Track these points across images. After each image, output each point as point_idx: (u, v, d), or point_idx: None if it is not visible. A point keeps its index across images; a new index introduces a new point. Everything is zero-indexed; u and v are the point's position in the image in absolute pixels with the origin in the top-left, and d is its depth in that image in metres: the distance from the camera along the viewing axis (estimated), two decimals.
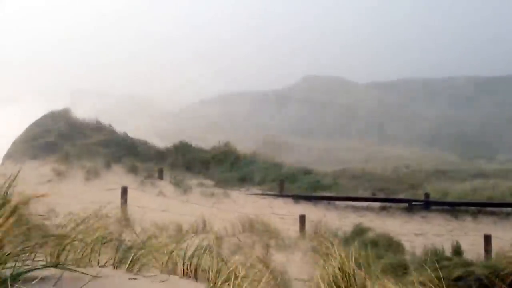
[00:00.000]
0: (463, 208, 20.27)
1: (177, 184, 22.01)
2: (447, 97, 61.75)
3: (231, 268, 2.43)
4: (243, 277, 2.43)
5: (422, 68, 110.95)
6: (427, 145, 42.19)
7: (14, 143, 28.05)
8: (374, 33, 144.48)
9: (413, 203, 20.66)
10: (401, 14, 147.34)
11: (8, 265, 2.13)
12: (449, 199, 21.87)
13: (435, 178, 28.51)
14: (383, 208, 20.53)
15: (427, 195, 21.21)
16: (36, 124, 30.08)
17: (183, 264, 2.47)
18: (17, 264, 2.05)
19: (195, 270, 2.49)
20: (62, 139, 27.79)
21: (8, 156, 26.22)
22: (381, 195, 23.38)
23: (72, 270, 2.22)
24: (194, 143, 30.07)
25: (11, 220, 2.31)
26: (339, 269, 3.00)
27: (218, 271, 2.34)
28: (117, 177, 21.76)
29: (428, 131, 48.60)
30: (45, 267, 2.22)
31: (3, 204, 2.37)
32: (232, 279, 2.27)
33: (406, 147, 41.67)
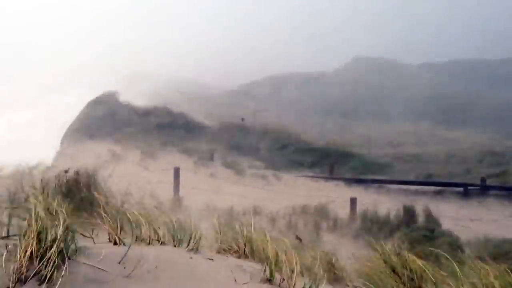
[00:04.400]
0: None
1: (228, 165, 22.28)
2: (505, 79, 59.05)
3: (283, 249, 2.46)
4: (296, 257, 2.45)
5: (479, 49, 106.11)
6: (483, 128, 40.55)
7: (71, 124, 29.12)
8: (426, 14, 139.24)
9: (469, 187, 20.02)
10: None
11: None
12: (508, 183, 21.04)
13: (491, 162, 27.45)
14: (437, 193, 20.01)
15: (483, 179, 20.49)
16: (92, 106, 31.07)
17: (241, 245, 2.53)
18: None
19: (251, 251, 2.54)
20: (117, 121, 28.62)
21: (66, 136, 27.28)
22: (435, 179, 22.78)
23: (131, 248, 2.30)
24: (245, 124, 30.22)
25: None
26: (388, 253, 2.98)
27: (272, 252, 2.38)
28: (170, 158, 22.25)
29: (485, 113, 46.74)
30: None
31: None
32: (285, 260, 2.30)
33: (461, 130, 40.28)
